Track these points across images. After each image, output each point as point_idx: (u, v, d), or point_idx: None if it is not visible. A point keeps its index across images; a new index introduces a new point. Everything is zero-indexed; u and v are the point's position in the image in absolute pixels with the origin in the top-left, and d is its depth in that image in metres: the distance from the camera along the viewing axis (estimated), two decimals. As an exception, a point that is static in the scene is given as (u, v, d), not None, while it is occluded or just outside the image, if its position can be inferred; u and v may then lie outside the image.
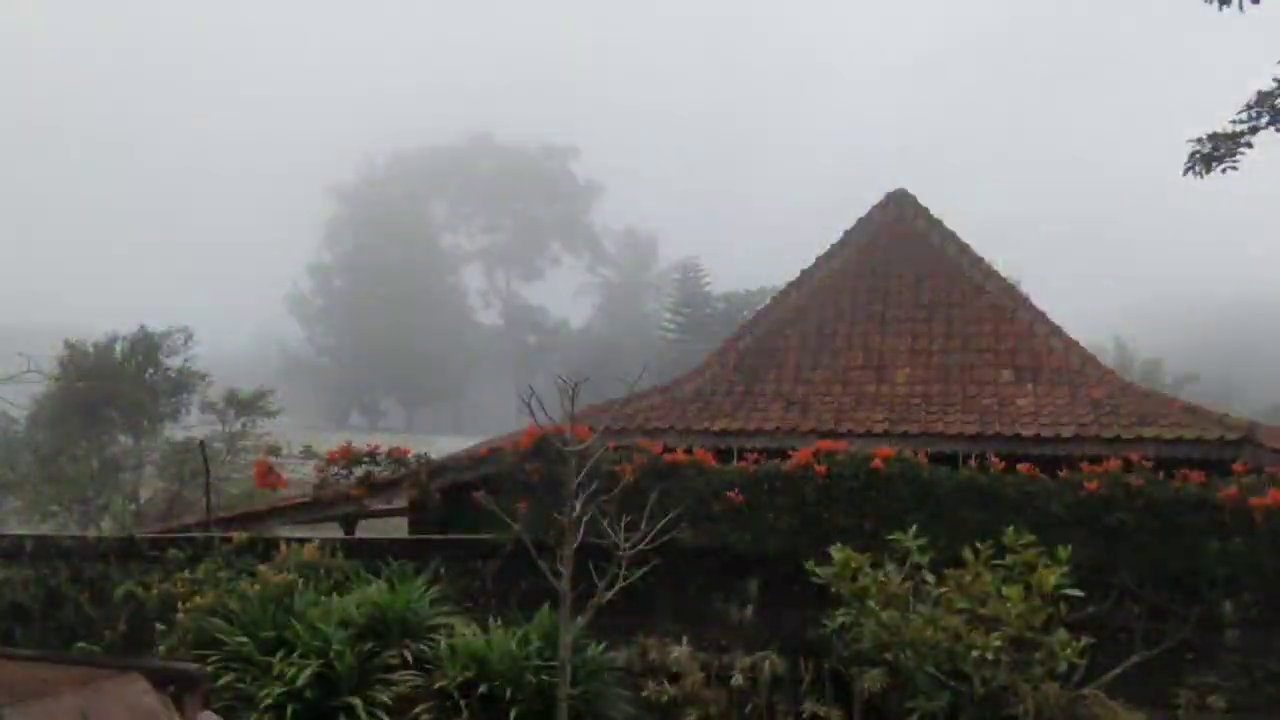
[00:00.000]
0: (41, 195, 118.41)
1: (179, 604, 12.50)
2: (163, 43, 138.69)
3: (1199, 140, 13.07)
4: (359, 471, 15.48)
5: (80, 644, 12.81)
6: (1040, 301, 18.17)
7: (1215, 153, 12.99)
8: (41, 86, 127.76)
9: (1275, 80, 12.88)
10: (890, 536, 11.88)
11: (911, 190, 19.69)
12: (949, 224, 19.18)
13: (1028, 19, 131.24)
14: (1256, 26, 11.33)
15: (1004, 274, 19.12)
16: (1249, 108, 12.92)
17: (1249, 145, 12.92)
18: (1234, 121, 13.00)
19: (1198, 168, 13.12)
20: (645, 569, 11.01)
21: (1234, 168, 13.06)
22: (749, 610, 13.58)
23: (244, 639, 11.31)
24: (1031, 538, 11.29)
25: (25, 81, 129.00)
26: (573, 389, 10.34)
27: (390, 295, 65.18)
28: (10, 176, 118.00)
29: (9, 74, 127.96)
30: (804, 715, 12.43)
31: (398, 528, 17.94)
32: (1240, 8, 10.98)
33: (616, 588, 10.47)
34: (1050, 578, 10.92)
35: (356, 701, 10.75)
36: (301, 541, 13.77)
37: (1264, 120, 12.87)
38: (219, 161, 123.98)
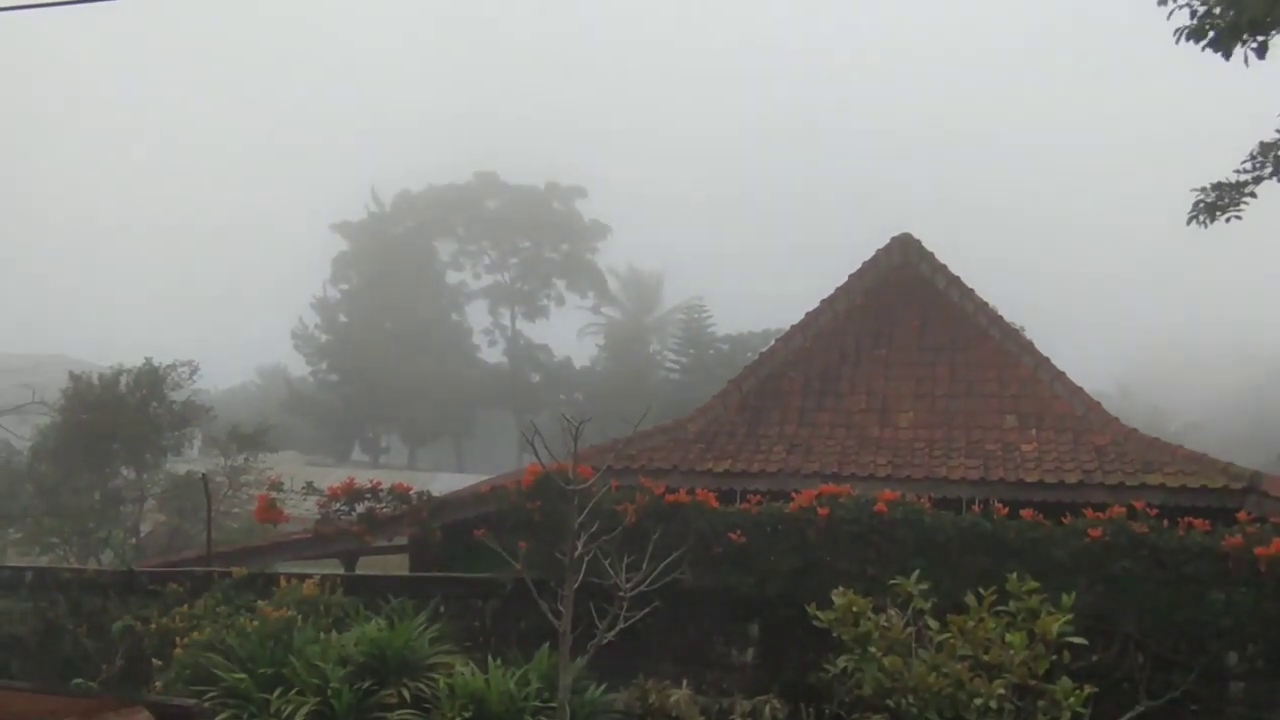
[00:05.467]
0: (49, 227, 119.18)
1: (177, 639, 12.45)
2: (172, 77, 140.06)
3: (1203, 190, 13.16)
4: (360, 508, 15.47)
5: (78, 679, 12.73)
6: (1044, 348, 18.19)
7: (1219, 202, 13.07)
8: (49, 119, 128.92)
9: (1278, 131, 12.98)
10: (893, 581, 11.82)
11: (916, 235, 19.78)
12: (954, 269, 19.25)
13: (1030, 54, 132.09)
14: (1265, 75, 11.45)
15: (1008, 319, 19.15)
16: (1252, 158, 13.02)
17: (1253, 195, 13.00)
18: (1238, 171, 13.09)
19: (1201, 217, 13.19)
20: (646, 610, 10.96)
21: (1238, 217, 13.14)
22: (750, 653, 13.49)
23: (242, 675, 11.24)
24: (1035, 585, 11.22)
25: (33, 111, 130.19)
26: (576, 428, 10.34)
27: (395, 332, 65.16)
28: (17, 208, 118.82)
29: (13, 102, 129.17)
30: (804, 761, 12.31)
31: (399, 565, 17.89)
32: (1245, 61, 11.09)
33: (617, 629, 10.41)
34: (1054, 625, 10.84)
35: (353, 740, 10.69)
36: (302, 577, 13.73)
37: (1267, 170, 12.96)
38: (227, 196, 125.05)
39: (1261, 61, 11.06)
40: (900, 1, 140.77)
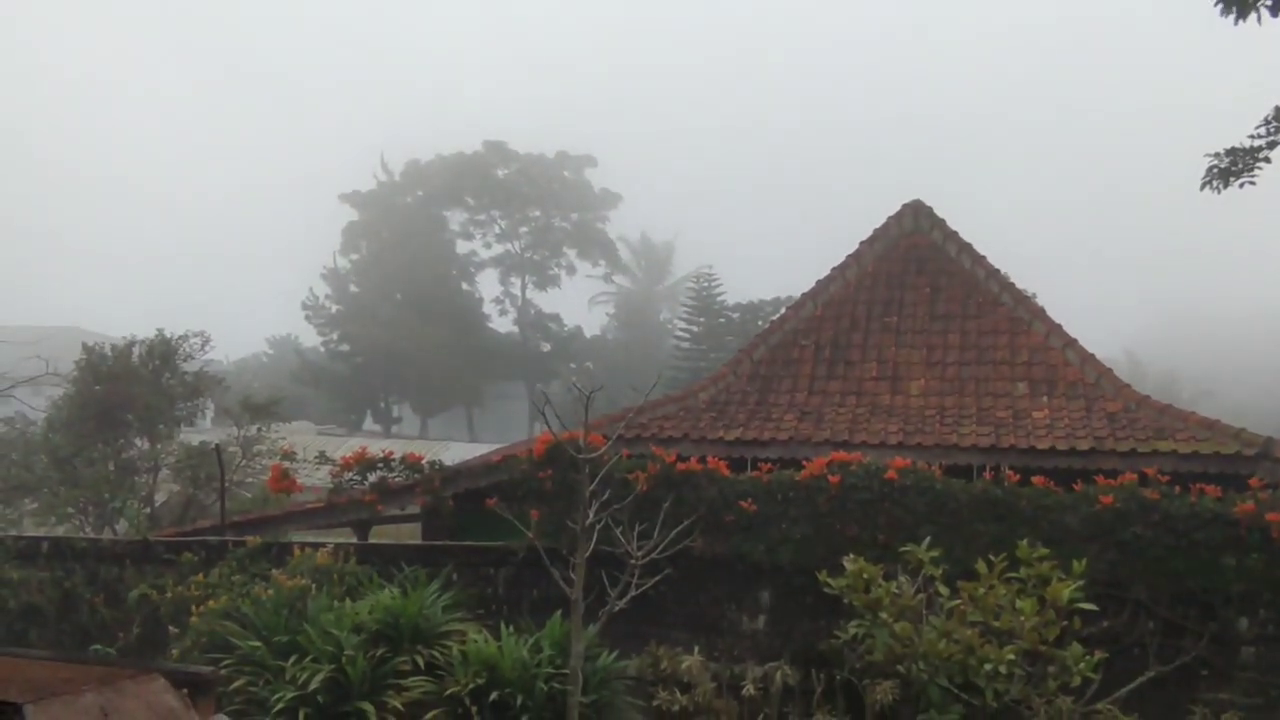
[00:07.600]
0: (62, 199, 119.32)
1: (193, 607, 12.55)
2: (182, 43, 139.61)
3: (1217, 155, 13.02)
4: (373, 477, 15.53)
5: (95, 647, 12.85)
6: (1056, 315, 18.12)
7: (1233, 167, 12.94)
8: (57, 89, 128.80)
9: (1294, 95, 12.82)
10: (904, 548, 11.87)
11: (928, 202, 19.67)
12: (965, 236, 19.16)
13: (1041, 25, 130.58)
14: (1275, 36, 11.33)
15: (1019, 286, 19.07)
16: (1267, 122, 12.87)
17: (1267, 160, 12.87)
18: (1252, 136, 12.94)
19: (1215, 182, 13.07)
20: (658, 578, 11.01)
21: (1252, 183, 13.01)
22: (761, 620, 13.56)
23: (257, 643, 11.34)
24: (1046, 551, 11.26)
25: (40, 84, 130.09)
26: (587, 397, 10.35)
27: (406, 302, 65.19)
28: (30, 179, 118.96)
29: (19, 79, 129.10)
30: (815, 726, 12.40)
31: (411, 534, 17.99)
32: (1259, 20, 10.96)
33: (629, 596, 10.47)
34: (1064, 591, 10.88)
35: (368, 707, 10.77)
36: (315, 546, 13.81)
37: (1283, 135, 12.82)
38: (237, 168, 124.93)
39: (1275, 19, 10.92)
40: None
